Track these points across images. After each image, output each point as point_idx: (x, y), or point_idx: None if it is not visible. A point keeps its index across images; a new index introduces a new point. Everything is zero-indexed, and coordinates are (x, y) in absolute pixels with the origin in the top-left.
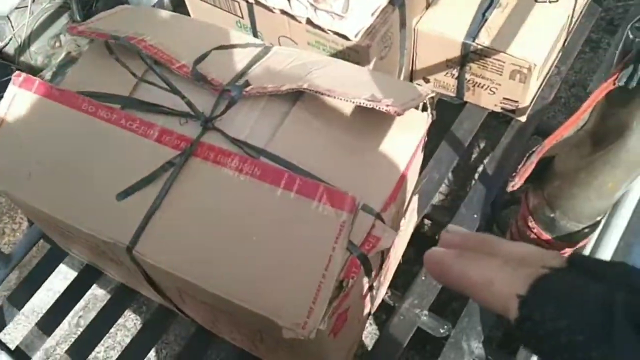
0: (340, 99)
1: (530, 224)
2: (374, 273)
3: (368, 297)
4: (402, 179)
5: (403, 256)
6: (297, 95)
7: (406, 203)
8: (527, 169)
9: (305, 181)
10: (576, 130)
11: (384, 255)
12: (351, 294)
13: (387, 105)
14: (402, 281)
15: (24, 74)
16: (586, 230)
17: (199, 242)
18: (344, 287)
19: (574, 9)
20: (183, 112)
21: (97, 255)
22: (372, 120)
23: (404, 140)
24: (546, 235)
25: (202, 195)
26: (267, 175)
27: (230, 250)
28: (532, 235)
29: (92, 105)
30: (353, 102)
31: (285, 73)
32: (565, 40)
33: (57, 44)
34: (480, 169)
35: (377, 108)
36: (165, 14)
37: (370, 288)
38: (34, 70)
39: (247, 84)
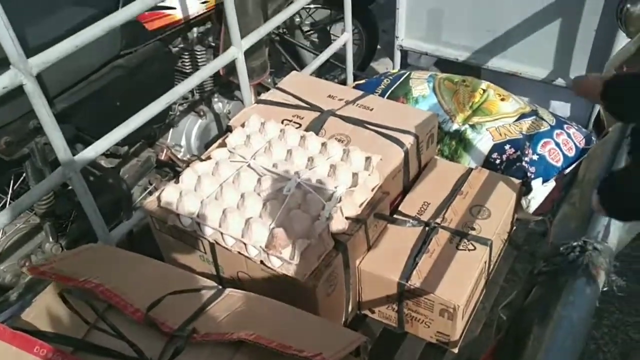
0: (277, 351)
1: None
2: None
3: None
4: None
5: None
6: (240, 342)
7: None
8: None
9: None
10: None
11: None
12: None
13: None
14: None
15: None
16: None
17: None
18: None
19: (490, 255)
20: (132, 358)
21: None
22: None
23: None
24: None
25: None
26: None
27: None
28: None
29: (43, 349)
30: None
31: (233, 319)
32: (487, 280)
33: (28, 264)
34: None
35: None
36: (126, 256)
37: None
38: (0, 288)
39: (194, 331)
